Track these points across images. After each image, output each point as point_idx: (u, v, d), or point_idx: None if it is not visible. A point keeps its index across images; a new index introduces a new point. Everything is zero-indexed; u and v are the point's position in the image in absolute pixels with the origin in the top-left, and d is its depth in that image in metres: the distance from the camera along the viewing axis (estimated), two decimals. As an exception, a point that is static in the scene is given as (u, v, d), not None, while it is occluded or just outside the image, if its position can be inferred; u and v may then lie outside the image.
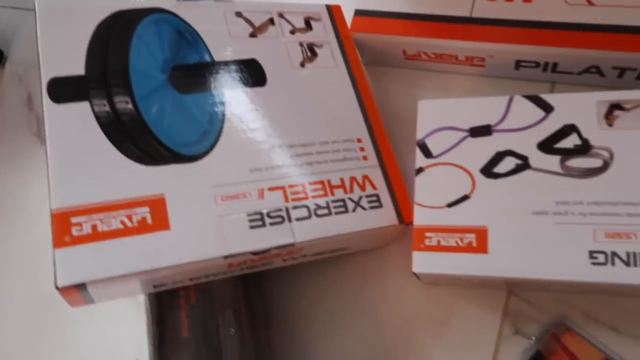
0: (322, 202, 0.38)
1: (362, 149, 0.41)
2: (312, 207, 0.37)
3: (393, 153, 0.41)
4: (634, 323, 0.36)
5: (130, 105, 0.36)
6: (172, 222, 0.34)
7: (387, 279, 0.42)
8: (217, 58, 0.40)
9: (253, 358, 0.39)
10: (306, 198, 0.37)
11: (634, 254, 0.32)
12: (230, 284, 0.40)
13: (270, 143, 0.38)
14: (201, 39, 0.40)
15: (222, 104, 0.38)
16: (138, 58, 0.38)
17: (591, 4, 0.39)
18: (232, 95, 0.39)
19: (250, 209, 0.36)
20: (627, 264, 0.32)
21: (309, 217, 0.37)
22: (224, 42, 0.41)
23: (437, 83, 0.46)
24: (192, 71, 0.39)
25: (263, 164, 0.38)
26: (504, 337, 0.38)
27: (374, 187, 0.40)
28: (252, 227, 0.36)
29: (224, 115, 0.38)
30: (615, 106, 0.35)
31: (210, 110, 0.38)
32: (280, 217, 0.36)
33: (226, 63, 0.40)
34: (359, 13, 0.45)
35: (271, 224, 0.36)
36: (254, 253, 0.35)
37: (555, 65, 0.41)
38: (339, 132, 0.41)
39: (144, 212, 0.34)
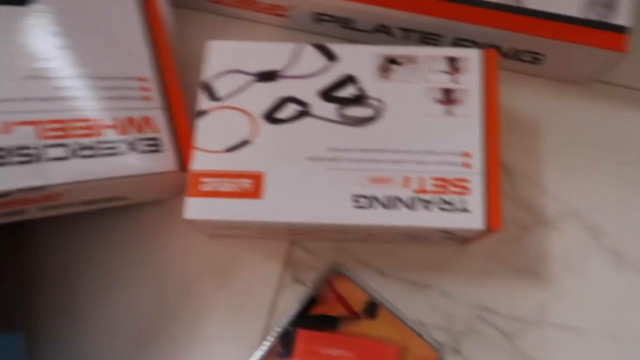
0: (87, 142, 0.33)
1: (145, 89, 0.37)
2: (74, 146, 0.33)
3: (182, 97, 0.38)
4: (399, 267, 0.39)
5: None
6: None
7: (173, 232, 0.40)
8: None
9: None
10: (66, 137, 0.33)
11: (391, 198, 0.34)
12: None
13: (26, 72, 0.33)
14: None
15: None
16: None
17: (380, -37, 0.40)
18: (-25, 11, 0.33)
19: (-10, 143, 0.30)
20: (386, 206, 0.34)
21: (68, 157, 0.33)
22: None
23: (241, 30, 0.44)
24: None
25: (14, 95, 0.32)
26: (284, 285, 0.38)
27: (155, 131, 0.36)
28: (-11, 165, 0.30)
29: (-38, 33, 0.32)
30: (391, 60, 0.37)
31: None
32: (29, 156, 0.31)
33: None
34: (152, -56, 0.41)
35: (18, 162, 0.31)
36: (-9, 195, 0.30)
37: (350, 21, 0.42)
38: (118, 68, 0.36)
39: None
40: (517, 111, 0.42)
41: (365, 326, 0.37)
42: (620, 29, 0.38)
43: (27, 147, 0.31)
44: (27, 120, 0.32)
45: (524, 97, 0.42)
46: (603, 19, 0.38)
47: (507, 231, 0.39)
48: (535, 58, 0.41)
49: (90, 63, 0.35)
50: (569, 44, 0.38)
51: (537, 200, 0.40)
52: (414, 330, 0.37)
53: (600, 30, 0.38)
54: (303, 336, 0.36)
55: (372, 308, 0.37)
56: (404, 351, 0.36)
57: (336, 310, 0.37)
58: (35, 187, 0.31)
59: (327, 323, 0.37)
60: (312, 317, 0.37)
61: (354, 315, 0.37)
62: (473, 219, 0.33)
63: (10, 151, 0.31)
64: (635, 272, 0.38)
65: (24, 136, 0.32)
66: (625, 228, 0.39)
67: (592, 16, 0.38)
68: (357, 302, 0.37)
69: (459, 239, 0.37)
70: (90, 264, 0.39)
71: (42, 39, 0.34)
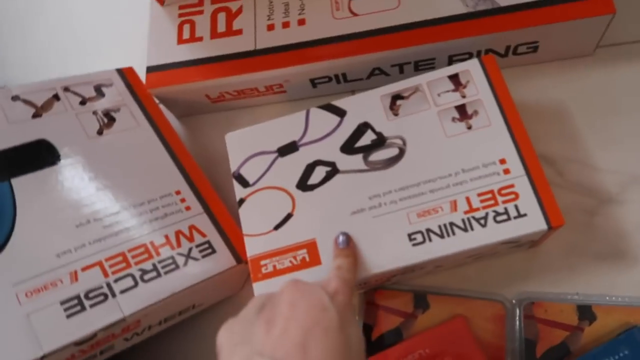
0: (147, 266, 0.35)
1: (183, 200, 0.39)
2: (137, 274, 0.35)
3: (217, 196, 0.40)
4: (480, 288, 0.38)
5: None
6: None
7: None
8: (-4, 148, 0.36)
9: None
10: (129, 267, 0.35)
11: (445, 226, 0.34)
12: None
13: (76, 221, 0.35)
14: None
15: (9, 194, 0.35)
16: None
17: (355, 14, 0.42)
18: (20, 182, 0.36)
19: (63, 296, 0.32)
20: (442, 236, 0.33)
21: (136, 285, 0.34)
22: (1, 129, 0.37)
23: (248, 118, 0.47)
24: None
25: (72, 245, 0.34)
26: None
27: (203, 235, 0.38)
28: (69, 316, 0.32)
29: (14, 206, 0.35)
30: (396, 97, 0.38)
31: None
32: (102, 295, 0.33)
33: (6, 151, 0.37)
34: (151, 69, 0.44)
35: (92, 305, 0.33)
36: (78, 343, 0.31)
37: (345, 75, 0.44)
38: (155, 190, 0.39)
39: None
40: (536, 102, 0.42)
41: (425, 320, 0.37)
42: (602, -7, 0.38)
43: (98, 288, 0.33)
44: (89, 264, 0.34)
45: (537, 87, 0.42)
46: (582, -10, 0.39)
47: (574, 220, 0.38)
48: (533, 47, 0.41)
49: (129, 194, 0.38)
50: (559, 24, 0.39)
51: (593, 181, 0.39)
52: (470, 297, 0.36)
53: (583, 1, 0.39)
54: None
55: (422, 300, 0.37)
56: (471, 318, 0.36)
57: (391, 322, 0.37)
58: (114, 322, 0.33)
59: (392, 338, 0.37)
60: (376, 342, 0.37)
61: (411, 316, 0.37)
62: (533, 221, 0.33)
63: (83, 297, 0.33)
64: None
65: (92, 279, 0.34)
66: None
67: (571, -9, 0.39)
68: (406, 303, 0.37)
69: (526, 244, 0.36)
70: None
71: (82, 187, 0.37)
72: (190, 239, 0.37)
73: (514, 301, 0.36)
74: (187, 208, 0.39)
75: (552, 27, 0.39)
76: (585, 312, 0.34)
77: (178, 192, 0.39)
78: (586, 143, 0.40)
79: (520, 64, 0.43)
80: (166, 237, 0.37)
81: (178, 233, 0.37)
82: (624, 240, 0.37)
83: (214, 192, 0.41)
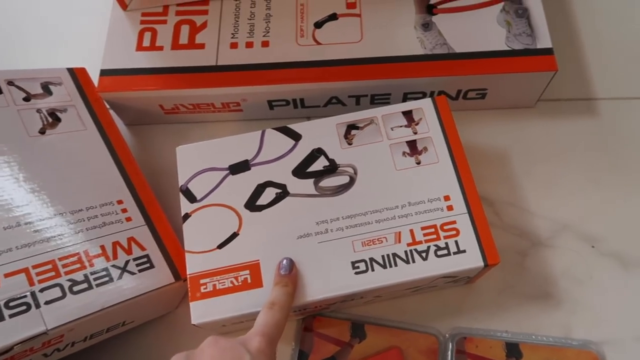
0: (78, 276, 0.33)
1: (124, 211, 0.38)
2: (67, 284, 0.33)
3: (160, 210, 0.39)
4: (415, 320, 0.39)
5: None
6: None
7: (183, 343, 0.39)
8: None
9: None
10: (58, 276, 0.33)
11: (388, 256, 0.34)
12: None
13: (5, 222, 0.33)
14: None
15: None
16: None
17: (319, 43, 0.43)
18: (-54, 176, 0.33)
19: (-19, 303, 0.30)
20: (384, 266, 0.34)
21: (63, 296, 0.32)
22: None
23: (201, 133, 0.46)
24: None
25: (-3, 248, 0.32)
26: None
27: (142, 248, 0.36)
28: (-14, 325, 0.29)
29: None
30: (351, 126, 0.39)
31: None
32: (24, 305, 0.31)
33: None
34: (105, 73, 0.43)
35: (12, 315, 0.30)
36: (-9, 355, 0.29)
37: (302, 101, 0.44)
38: (95, 197, 0.37)
39: None
40: (480, 145, 0.44)
41: (361, 349, 0.37)
42: (547, 52, 0.42)
43: (20, 297, 0.31)
44: (13, 270, 0.32)
45: (482, 131, 0.45)
46: (529, 47, 0.42)
47: (507, 260, 0.40)
48: (481, 94, 0.44)
49: (67, 199, 0.36)
50: (506, 74, 0.42)
51: (527, 224, 0.41)
52: (406, 329, 0.37)
53: (530, 57, 0.42)
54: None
55: (359, 330, 0.37)
56: (406, 349, 0.36)
57: (327, 350, 0.37)
58: (35, 335, 0.30)
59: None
60: None
61: (347, 345, 0.37)
62: (471, 258, 0.34)
63: (3, 305, 0.30)
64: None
65: (15, 286, 0.31)
66: (618, 229, 0.40)
67: (519, 46, 0.42)
68: (343, 332, 0.37)
69: (462, 280, 0.37)
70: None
71: (14, 187, 0.35)
72: (128, 251, 0.36)
73: (447, 335, 0.37)
74: (128, 219, 0.37)
75: (499, 77, 0.42)
76: (513, 350, 0.36)
77: (120, 202, 0.38)
78: (523, 188, 0.42)
79: (470, 108, 0.46)
80: (102, 247, 0.35)
81: (115, 244, 0.36)
82: (551, 283, 0.39)
83: (158, 205, 0.39)
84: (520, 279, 0.39)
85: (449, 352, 0.36)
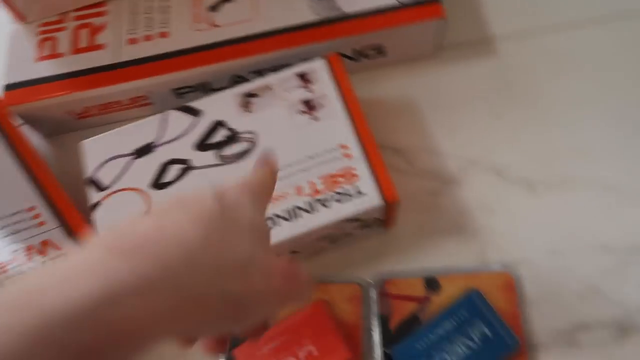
0: (-10, 277, 0.34)
1: (36, 216, 0.38)
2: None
3: (76, 212, 0.39)
4: (339, 271, 0.39)
5: None
6: None
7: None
8: None
9: None
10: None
11: (292, 209, 0.35)
12: None
13: None
14: None
15: None
16: None
17: (216, 26, 0.44)
18: None
19: None
20: (288, 219, 0.35)
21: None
22: None
23: (116, 132, 0.47)
24: None
25: None
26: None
27: (58, 248, 0.37)
28: None
29: None
30: (249, 95, 0.40)
31: None
32: None
33: None
34: (9, 87, 0.43)
35: None
36: None
37: (209, 84, 0.45)
38: (4, 207, 0.38)
39: None
40: (389, 99, 0.45)
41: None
42: (435, 1, 0.43)
43: None
44: None
45: (389, 86, 0.46)
46: (415, -2, 0.43)
47: (421, 203, 0.41)
48: (379, 50, 0.45)
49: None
50: (396, 28, 0.43)
51: (437, 166, 0.42)
52: (329, 281, 0.37)
53: (419, 7, 0.43)
54: (240, 353, 0.35)
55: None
56: (331, 301, 0.37)
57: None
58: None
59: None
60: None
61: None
62: (370, 199, 0.35)
63: None
64: (546, 189, 0.40)
65: None
66: (522, 157, 0.41)
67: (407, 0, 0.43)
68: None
69: (375, 224, 0.38)
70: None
71: None
72: (42, 253, 0.36)
73: (369, 281, 0.37)
74: (41, 224, 0.38)
75: (390, 32, 0.43)
76: (432, 283, 0.36)
77: (31, 209, 0.38)
78: (432, 134, 0.43)
79: (373, 67, 0.47)
80: (14, 253, 0.36)
81: (28, 248, 0.36)
82: (465, 217, 0.40)
83: (73, 208, 0.39)
84: (436, 218, 0.40)
85: (372, 296, 0.36)
